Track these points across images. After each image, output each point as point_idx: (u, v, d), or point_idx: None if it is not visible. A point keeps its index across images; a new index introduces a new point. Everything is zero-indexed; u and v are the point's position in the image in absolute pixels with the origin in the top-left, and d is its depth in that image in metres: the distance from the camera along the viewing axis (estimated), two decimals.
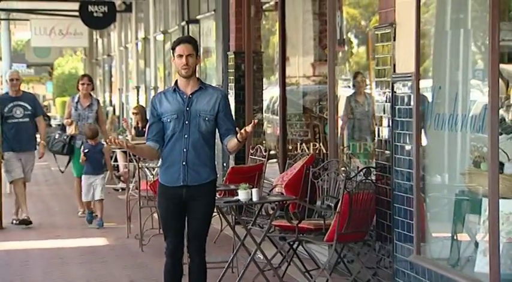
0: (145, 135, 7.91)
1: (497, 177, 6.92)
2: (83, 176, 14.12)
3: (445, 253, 8.02)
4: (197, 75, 7.93)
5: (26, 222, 13.99)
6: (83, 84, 15.00)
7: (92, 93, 15.52)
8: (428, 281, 7.76)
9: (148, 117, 7.94)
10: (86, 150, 13.88)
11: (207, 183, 7.66)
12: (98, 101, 15.43)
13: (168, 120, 7.52)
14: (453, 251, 7.95)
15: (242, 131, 7.44)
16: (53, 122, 36.43)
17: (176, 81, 7.79)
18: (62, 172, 16.68)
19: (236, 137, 7.50)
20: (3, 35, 30.56)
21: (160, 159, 7.87)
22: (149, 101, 24.37)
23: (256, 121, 7.55)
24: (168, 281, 7.69)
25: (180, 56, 7.56)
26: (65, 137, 14.75)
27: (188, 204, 7.64)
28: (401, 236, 8.33)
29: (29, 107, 13.96)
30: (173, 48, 7.68)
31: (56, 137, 14.88)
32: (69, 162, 15.35)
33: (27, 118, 13.98)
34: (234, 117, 8.10)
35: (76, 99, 15.04)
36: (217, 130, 7.74)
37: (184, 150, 7.51)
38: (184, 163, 7.51)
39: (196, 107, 7.56)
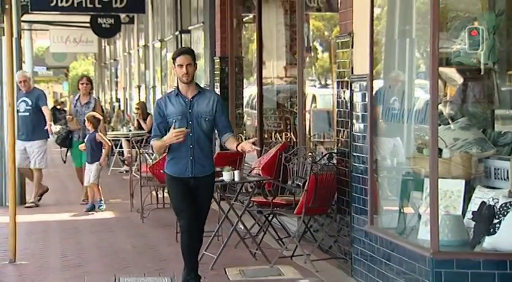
0: (152, 132, 7.78)
1: (437, 161, 6.93)
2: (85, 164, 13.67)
3: (394, 223, 7.99)
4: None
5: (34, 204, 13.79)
6: (82, 84, 14.68)
7: (91, 92, 15.15)
8: (380, 247, 7.74)
9: (154, 118, 7.84)
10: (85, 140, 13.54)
11: (210, 174, 7.72)
12: (95, 99, 15.05)
13: (174, 121, 7.45)
14: (400, 221, 7.93)
15: (243, 147, 7.48)
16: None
17: (177, 86, 7.68)
18: (64, 162, 16.35)
19: (236, 146, 7.48)
20: (26, 43, 30.43)
21: (166, 153, 7.80)
22: (148, 99, 24.47)
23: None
24: (186, 253, 7.70)
25: (181, 65, 7.48)
26: (66, 131, 14.44)
27: (194, 191, 7.66)
28: (358, 210, 8.33)
29: (30, 102, 13.64)
30: (174, 59, 7.59)
31: (60, 131, 14.56)
32: (67, 153, 15.13)
33: (27, 112, 13.65)
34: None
35: (76, 97, 14.77)
36: (215, 127, 7.73)
37: (191, 146, 7.47)
38: (191, 158, 7.49)
39: (198, 109, 7.52)
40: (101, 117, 14.01)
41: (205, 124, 7.54)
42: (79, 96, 14.66)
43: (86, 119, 13.53)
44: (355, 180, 8.42)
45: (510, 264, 6.20)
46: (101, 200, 13.62)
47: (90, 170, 13.29)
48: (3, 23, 11.54)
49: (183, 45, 19.16)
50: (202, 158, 7.58)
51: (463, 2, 8.52)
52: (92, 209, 13.38)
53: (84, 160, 13.75)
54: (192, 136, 7.47)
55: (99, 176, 13.48)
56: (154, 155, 13.14)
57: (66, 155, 15.40)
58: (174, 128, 7.38)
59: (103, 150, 13.47)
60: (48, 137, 14.36)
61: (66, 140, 14.40)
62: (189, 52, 7.69)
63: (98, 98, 15.39)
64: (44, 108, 13.86)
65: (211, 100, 7.60)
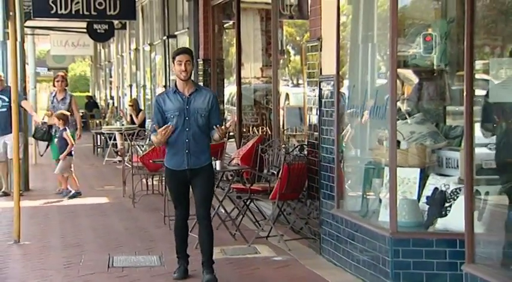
0: (150, 127, 7.59)
1: (395, 152, 6.98)
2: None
3: (357, 207, 8.03)
4: (174, 77, 7.77)
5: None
6: (57, 81, 14.12)
7: (66, 88, 14.31)
8: (345, 228, 7.78)
9: (154, 114, 7.52)
10: (57, 135, 13.26)
11: (205, 165, 7.38)
12: (70, 95, 14.22)
13: (172, 116, 7.24)
14: (363, 205, 7.98)
15: (222, 127, 7.29)
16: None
17: (175, 84, 7.41)
18: (41, 155, 16.15)
19: (217, 132, 7.28)
20: (29, 46, 30.27)
21: (166, 145, 7.48)
22: (139, 96, 24.41)
23: (235, 119, 7.49)
24: (178, 234, 7.59)
25: (180, 63, 7.21)
26: (45, 127, 13.87)
27: (192, 182, 7.39)
28: (326, 195, 8.36)
29: (7, 99, 12.82)
30: (173, 57, 7.33)
31: (39, 126, 13.97)
32: (47, 147, 14.68)
33: (4, 108, 12.92)
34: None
35: (53, 94, 14.19)
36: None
37: (187, 140, 7.22)
38: (187, 151, 7.23)
39: (195, 106, 7.25)
40: (68, 114, 13.46)
41: (201, 120, 7.31)
42: (56, 93, 14.10)
43: (55, 117, 13.18)
44: (323, 169, 8.44)
45: (459, 242, 6.24)
46: (66, 189, 13.39)
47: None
48: (8, 28, 11.52)
49: (170, 49, 19.15)
50: (198, 151, 7.30)
51: (418, 10, 8.56)
52: (75, 196, 13.21)
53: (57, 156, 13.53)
54: (188, 131, 7.23)
55: (68, 168, 13.22)
56: (144, 146, 13.17)
57: (46, 149, 15.00)
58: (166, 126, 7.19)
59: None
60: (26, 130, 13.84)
61: (45, 135, 13.91)
62: (188, 51, 7.45)
63: (72, 95, 14.31)
64: (23, 103, 13.06)
65: (207, 97, 7.35)
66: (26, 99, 13.83)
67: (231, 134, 9.06)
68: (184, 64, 7.20)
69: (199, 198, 7.39)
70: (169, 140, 7.24)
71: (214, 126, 7.23)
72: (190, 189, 7.53)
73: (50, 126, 13.78)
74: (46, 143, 14.36)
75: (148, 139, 14.09)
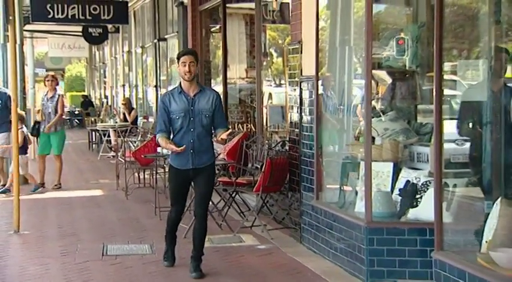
0: (157, 127, 7.18)
1: (370, 147, 7.03)
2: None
3: (335, 199, 8.05)
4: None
5: None
6: (47, 80, 13.67)
7: (56, 87, 13.76)
8: (324, 218, 7.80)
9: (160, 114, 7.18)
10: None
11: (209, 164, 7.14)
12: (59, 95, 13.76)
13: (177, 117, 6.95)
14: (340, 197, 7.99)
15: (219, 138, 7.07)
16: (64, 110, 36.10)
17: (180, 84, 7.09)
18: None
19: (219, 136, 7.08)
20: (28, 49, 30.15)
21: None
22: (131, 95, 24.36)
23: (230, 130, 7.06)
24: (171, 224, 7.41)
25: (184, 64, 6.91)
26: (34, 122, 13.77)
27: (194, 180, 7.17)
28: (306, 188, 8.38)
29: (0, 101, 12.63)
30: (178, 58, 7.03)
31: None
32: (36, 141, 14.27)
33: None
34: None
35: (45, 93, 13.77)
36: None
37: (191, 141, 6.93)
38: (192, 151, 6.95)
39: (199, 107, 6.96)
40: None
41: (206, 120, 7.05)
42: (47, 91, 13.70)
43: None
44: (304, 164, 8.45)
45: (429, 231, 6.28)
46: (36, 183, 13.17)
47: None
48: (8, 31, 11.47)
49: (160, 51, 19.16)
50: (202, 151, 7.02)
51: (391, 16, 8.59)
52: (37, 188, 13.02)
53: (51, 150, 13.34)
54: (192, 131, 6.97)
55: (24, 165, 12.69)
56: (136, 142, 13.16)
57: (36, 143, 14.55)
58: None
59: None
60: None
61: (33, 130, 13.66)
62: (192, 53, 7.13)
63: (63, 94, 13.86)
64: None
65: (211, 97, 7.05)
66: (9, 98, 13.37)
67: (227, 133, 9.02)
68: (188, 65, 6.93)
69: (199, 196, 7.20)
70: (174, 140, 7.03)
71: (214, 137, 7.15)
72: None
73: (37, 123, 13.63)
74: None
75: (140, 135, 14.11)
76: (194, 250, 7.17)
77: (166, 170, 12.23)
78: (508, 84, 6.27)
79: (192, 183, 7.28)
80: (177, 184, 7.22)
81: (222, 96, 13.37)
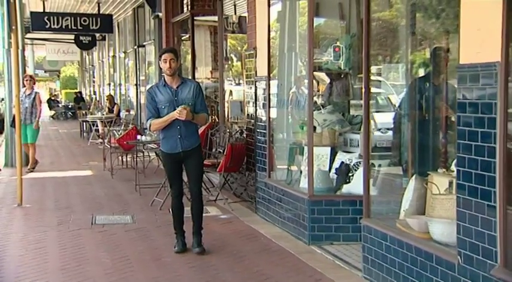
0: (147, 115, 6.66)
1: (312, 134, 7.04)
2: None
3: (284, 177, 8.09)
4: (158, 79, 7.33)
5: None
6: (26, 80, 12.88)
7: (33, 86, 12.99)
8: (275, 193, 7.84)
9: (148, 103, 6.61)
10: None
11: (196, 147, 6.64)
12: (36, 92, 12.98)
13: (163, 107, 6.49)
14: (288, 175, 8.03)
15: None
16: (60, 104, 35.79)
17: (164, 78, 6.60)
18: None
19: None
20: (29, 53, 29.84)
21: (160, 132, 6.74)
22: (116, 92, 24.15)
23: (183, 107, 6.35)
24: (176, 213, 6.82)
25: (165, 60, 6.43)
26: (13, 116, 12.54)
27: (185, 162, 6.66)
28: (260, 168, 8.40)
29: None
30: (160, 56, 6.54)
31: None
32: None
33: None
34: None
35: (23, 91, 12.82)
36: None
37: (178, 127, 6.48)
38: (179, 136, 6.51)
39: (182, 96, 6.50)
40: None
41: (189, 108, 6.50)
42: (25, 89, 12.90)
43: None
44: (258, 148, 8.47)
45: (359, 202, 6.30)
46: None
47: None
48: (12, 39, 11.29)
49: (139, 56, 19.01)
50: (189, 135, 6.56)
51: (329, 27, 8.63)
52: None
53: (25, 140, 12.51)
54: (178, 119, 6.44)
55: None
56: (120, 131, 13.05)
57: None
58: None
59: None
60: None
61: (13, 122, 12.49)
62: (172, 50, 6.62)
63: (38, 92, 13.13)
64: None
65: (192, 87, 6.60)
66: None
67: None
68: (169, 62, 6.45)
69: (192, 177, 6.69)
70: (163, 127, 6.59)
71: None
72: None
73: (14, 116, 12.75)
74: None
75: (123, 125, 14.00)
76: (194, 226, 6.73)
77: (145, 153, 12.29)
78: (421, 84, 6.36)
79: (184, 167, 6.79)
80: (171, 167, 6.72)
81: None
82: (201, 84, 13.44)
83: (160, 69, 6.72)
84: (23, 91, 12.92)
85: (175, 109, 6.43)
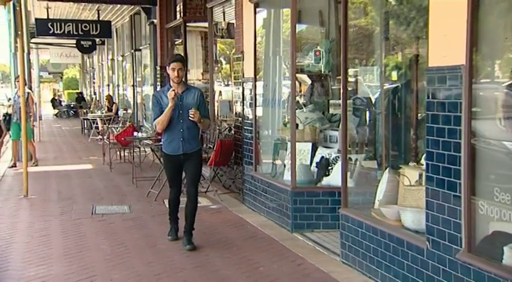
0: (153, 116, 6.40)
1: (295, 131, 7.07)
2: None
3: (269, 170, 8.09)
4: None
5: None
6: (18, 81, 12.02)
7: (25, 87, 11.95)
8: (261, 185, 7.84)
9: (153, 105, 6.39)
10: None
11: (197, 150, 6.43)
12: (28, 92, 12.40)
13: None
14: (273, 169, 8.03)
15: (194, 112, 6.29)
16: (63, 104, 35.62)
17: (170, 84, 6.36)
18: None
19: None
20: (34, 57, 29.72)
21: (163, 135, 6.48)
22: (114, 92, 24.04)
23: (193, 110, 6.19)
24: (173, 206, 6.62)
25: (173, 69, 6.23)
26: (7, 115, 12.72)
27: (185, 164, 6.41)
28: (247, 162, 8.41)
29: None
30: (169, 64, 6.30)
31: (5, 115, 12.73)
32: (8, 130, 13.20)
33: None
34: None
35: (16, 92, 12.48)
36: None
37: (181, 130, 6.28)
38: (181, 139, 6.29)
39: (186, 101, 6.27)
40: None
41: (193, 108, 6.29)
42: (17, 90, 12.37)
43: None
44: (245, 144, 8.47)
45: (337, 193, 6.32)
46: None
47: None
48: (18, 43, 11.25)
49: (136, 59, 18.96)
50: (190, 139, 6.33)
51: (310, 33, 8.65)
52: None
53: (16, 137, 12.40)
54: (182, 123, 6.27)
55: None
56: (118, 128, 13.02)
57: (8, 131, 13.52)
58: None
59: None
60: None
61: (5, 121, 12.81)
62: (181, 59, 6.36)
63: (30, 91, 12.63)
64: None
65: (195, 94, 6.35)
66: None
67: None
68: (177, 71, 6.25)
69: (190, 178, 6.44)
70: (167, 129, 6.35)
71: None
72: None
73: (9, 115, 12.82)
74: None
75: (120, 123, 13.97)
76: (186, 225, 6.47)
77: (142, 149, 12.27)
78: (393, 85, 6.39)
79: (183, 168, 6.51)
80: (172, 168, 6.48)
81: None
82: (193, 85, 13.52)
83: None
84: (14, 92, 12.58)
85: (180, 113, 6.27)
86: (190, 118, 6.18)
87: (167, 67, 6.34)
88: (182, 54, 13.33)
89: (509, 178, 3.97)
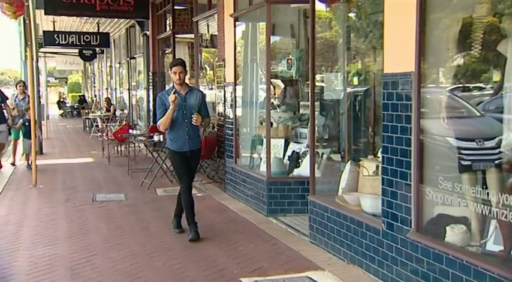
0: (158, 116, 6.05)
1: (270, 129, 7.07)
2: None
3: (247, 163, 8.09)
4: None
5: None
6: (20, 86, 11.83)
7: (25, 90, 11.83)
8: (240, 175, 7.83)
9: (158, 107, 6.05)
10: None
11: (199, 148, 6.14)
12: (28, 96, 11.54)
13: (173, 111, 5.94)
14: (251, 161, 8.02)
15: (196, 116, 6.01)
16: (67, 105, 35.25)
17: (173, 86, 6.04)
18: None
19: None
20: (42, 64, 29.42)
21: (168, 133, 6.15)
22: (112, 95, 23.84)
23: (195, 115, 5.94)
24: (187, 205, 6.05)
25: (175, 73, 5.92)
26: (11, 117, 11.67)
27: (189, 159, 6.05)
28: (228, 156, 8.40)
29: None
30: (171, 67, 6.00)
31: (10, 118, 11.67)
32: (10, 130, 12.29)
33: None
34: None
35: (15, 95, 11.92)
36: None
37: (186, 129, 5.96)
38: (187, 137, 5.97)
39: (190, 102, 5.96)
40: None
41: (195, 113, 6.02)
42: (17, 94, 11.92)
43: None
44: (227, 140, 8.47)
45: (306, 182, 6.35)
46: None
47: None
48: (27, 52, 11.12)
49: (131, 66, 18.83)
50: (194, 137, 6.05)
51: (283, 44, 8.63)
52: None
53: (16, 136, 11.72)
54: (186, 122, 5.97)
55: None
56: (115, 126, 12.92)
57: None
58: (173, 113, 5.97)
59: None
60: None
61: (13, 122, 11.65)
62: (181, 63, 6.01)
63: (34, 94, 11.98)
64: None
65: (198, 95, 6.06)
66: (7, 98, 11.57)
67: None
68: (178, 74, 5.93)
69: (190, 173, 6.14)
70: (172, 128, 6.02)
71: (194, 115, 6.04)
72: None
73: (13, 117, 11.89)
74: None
75: (118, 122, 13.88)
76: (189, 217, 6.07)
77: (136, 144, 12.20)
78: (354, 89, 6.43)
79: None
80: (180, 163, 6.07)
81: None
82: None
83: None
84: (15, 96, 12.04)
85: (184, 113, 5.98)
86: (193, 123, 5.94)
87: (170, 70, 6.03)
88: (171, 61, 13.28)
89: (451, 168, 4.02)
